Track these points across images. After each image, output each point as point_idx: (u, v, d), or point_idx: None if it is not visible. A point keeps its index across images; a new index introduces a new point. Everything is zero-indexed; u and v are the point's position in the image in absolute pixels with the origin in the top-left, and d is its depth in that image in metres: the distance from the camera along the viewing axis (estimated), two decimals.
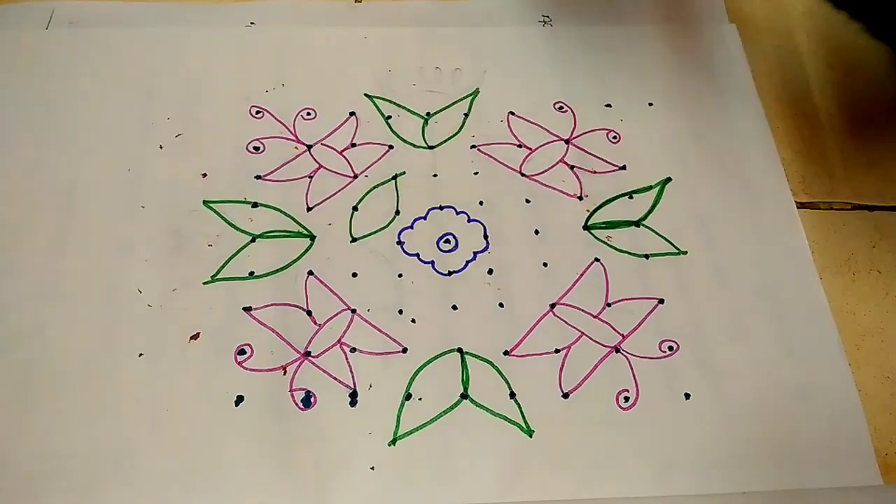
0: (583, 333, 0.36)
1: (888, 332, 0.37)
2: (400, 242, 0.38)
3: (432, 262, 0.38)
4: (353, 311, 0.36)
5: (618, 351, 0.36)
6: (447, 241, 0.39)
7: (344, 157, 0.41)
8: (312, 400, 0.34)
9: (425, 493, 0.32)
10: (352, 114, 0.42)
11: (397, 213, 0.39)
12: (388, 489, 0.32)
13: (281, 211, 0.39)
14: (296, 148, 0.41)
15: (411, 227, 0.39)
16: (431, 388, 0.34)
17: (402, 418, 0.33)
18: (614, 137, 0.43)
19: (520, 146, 0.42)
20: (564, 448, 0.33)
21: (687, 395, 0.35)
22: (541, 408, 0.34)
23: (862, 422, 0.34)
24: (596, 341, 0.36)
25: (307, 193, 0.40)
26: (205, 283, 0.36)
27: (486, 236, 0.39)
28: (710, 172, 0.42)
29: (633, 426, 0.34)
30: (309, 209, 0.39)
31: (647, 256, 0.39)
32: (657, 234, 0.39)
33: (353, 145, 0.41)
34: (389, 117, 0.42)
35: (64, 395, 0.33)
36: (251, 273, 0.37)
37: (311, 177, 0.40)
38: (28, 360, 0.34)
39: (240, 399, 0.33)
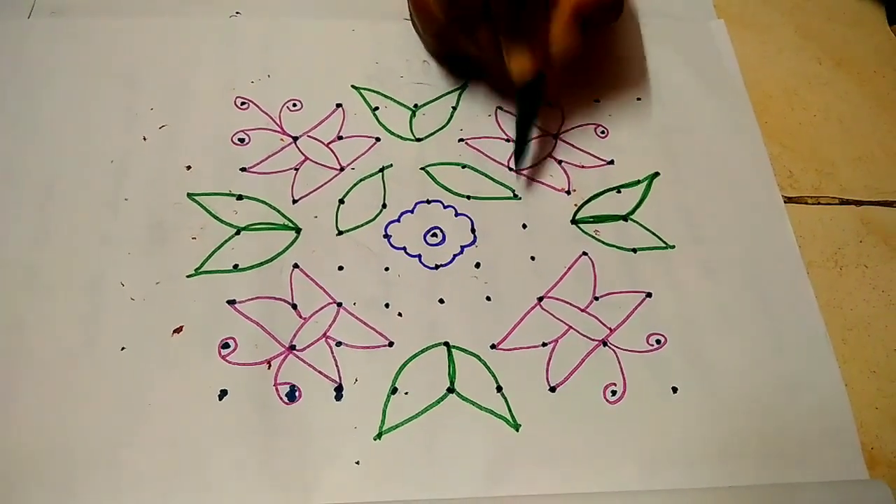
0: (570, 327, 0.36)
1: (875, 326, 0.37)
2: (387, 236, 0.38)
3: (419, 256, 0.37)
4: (339, 304, 0.36)
5: (605, 344, 0.36)
6: (434, 235, 0.38)
7: (330, 149, 0.41)
8: (297, 394, 0.33)
9: (411, 488, 0.32)
10: (338, 105, 0.42)
11: (384, 206, 0.39)
12: (373, 483, 0.32)
13: (266, 203, 0.38)
14: (282, 140, 0.41)
15: (398, 220, 0.39)
16: (418, 381, 0.34)
17: (387, 412, 0.33)
18: (602, 132, 0.43)
19: (508, 140, 0.42)
20: (551, 442, 0.33)
21: (674, 389, 0.34)
22: (528, 401, 0.34)
23: (848, 416, 0.34)
24: (583, 335, 0.36)
25: (293, 186, 0.39)
26: (188, 276, 0.36)
27: (473, 230, 0.38)
28: (698, 167, 0.41)
29: (621, 420, 0.34)
30: (295, 201, 0.39)
31: (634, 250, 0.38)
32: (645, 228, 0.39)
33: (340, 137, 0.41)
34: (377, 109, 0.42)
35: (45, 389, 0.33)
36: (236, 266, 0.36)
37: (296, 169, 0.40)
38: (9, 354, 0.33)
39: (223, 393, 0.33)
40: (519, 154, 0.40)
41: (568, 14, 0.36)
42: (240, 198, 0.38)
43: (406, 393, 0.34)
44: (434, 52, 0.43)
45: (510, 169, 0.41)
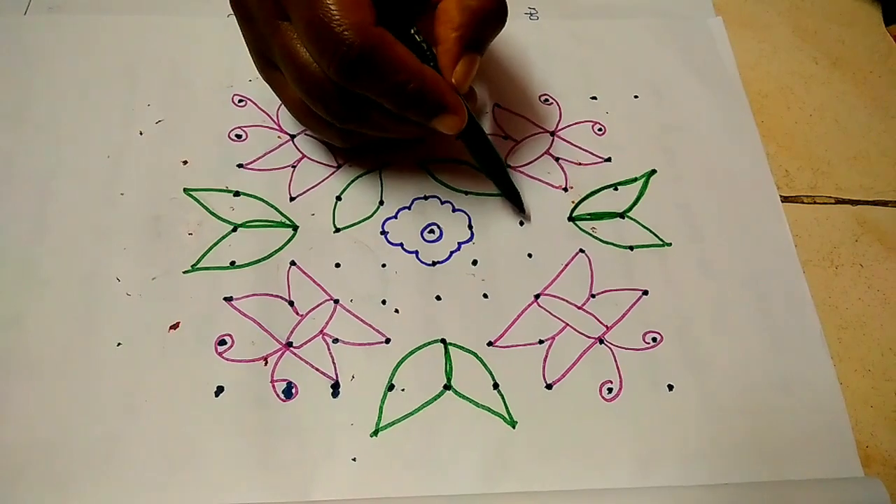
0: (567, 324, 0.36)
1: (870, 325, 0.37)
2: (384, 232, 0.38)
3: (416, 253, 0.37)
4: (336, 301, 0.36)
5: (602, 342, 0.36)
6: (431, 232, 0.38)
7: (327, 146, 0.40)
8: (294, 391, 0.33)
9: (407, 485, 0.32)
10: None
11: (381, 202, 0.39)
12: (370, 480, 0.32)
13: (263, 200, 0.38)
14: (279, 137, 0.41)
15: (395, 216, 0.39)
16: (414, 378, 0.34)
17: (384, 409, 0.33)
18: (600, 129, 0.43)
19: (505, 137, 0.42)
20: (547, 439, 0.33)
21: (670, 387, 0.35)
22: (524, 399, 0.34)
23: (843, 414, 0.35)
24: (580, 332, 0.36)
25: (290, 183, 0.39)
26: (185, 273, 0.36)
27: (470, 227, 0.39)
28: (695, 165, 0.42)
29: (617, 417, 0.34)
30: (292, 199, 0.39)
31: (631, 248, 0.38)
32: (642, 225, 0.39)
33: None
34: None
35: (41, 384, 0.33)
36: (232, 262, 0.36)
37: (294, 166, 0.40)
38: (5, 349, 0.33)
39: (220, 390, 0.33)
40: (516, 197, 0.38)
41: (453, 46, 0.34)
42: (237, 194, 0.38)
43: (403, 390, 0.34)
44: (345, 145, 0.38)
45: (508, 166, 0.40)
